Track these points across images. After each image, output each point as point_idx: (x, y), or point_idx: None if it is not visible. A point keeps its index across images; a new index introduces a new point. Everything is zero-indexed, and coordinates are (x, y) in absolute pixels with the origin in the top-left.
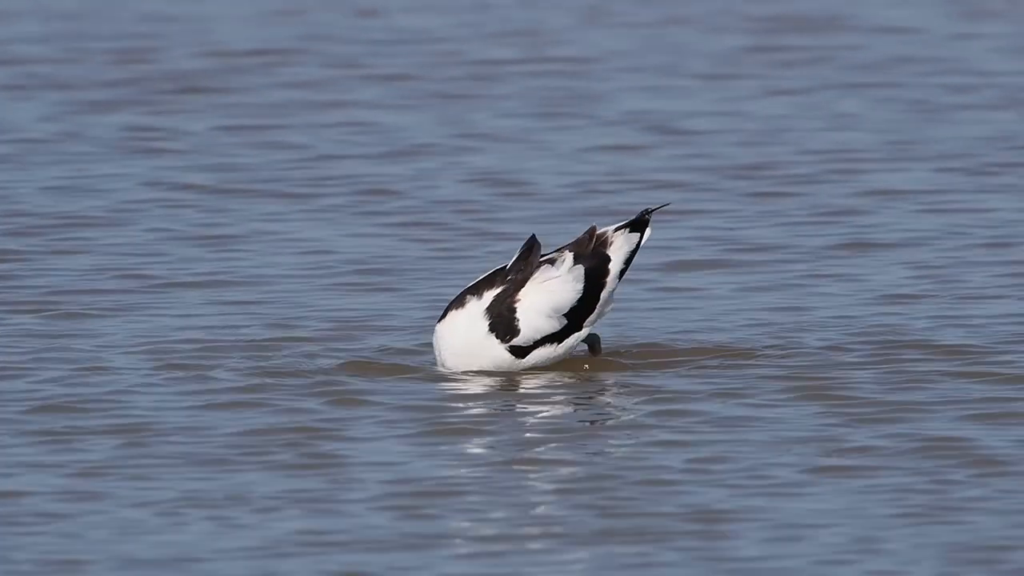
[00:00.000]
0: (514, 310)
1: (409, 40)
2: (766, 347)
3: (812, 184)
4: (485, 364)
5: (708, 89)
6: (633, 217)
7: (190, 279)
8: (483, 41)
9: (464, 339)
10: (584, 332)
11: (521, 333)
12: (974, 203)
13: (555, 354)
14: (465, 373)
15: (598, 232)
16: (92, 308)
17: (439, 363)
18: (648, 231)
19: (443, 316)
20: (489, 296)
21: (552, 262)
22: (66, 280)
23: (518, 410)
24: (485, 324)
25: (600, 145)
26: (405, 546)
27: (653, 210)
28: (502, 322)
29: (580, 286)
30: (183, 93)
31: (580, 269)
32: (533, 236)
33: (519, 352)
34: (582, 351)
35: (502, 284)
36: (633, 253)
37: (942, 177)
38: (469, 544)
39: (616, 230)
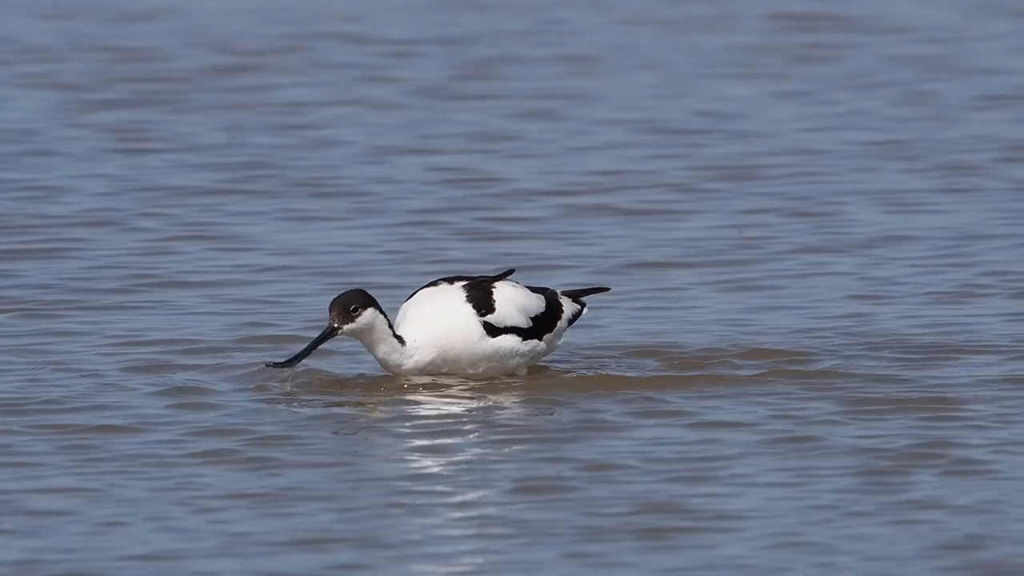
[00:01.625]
0: (491, 293)
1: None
2: (736, 348)
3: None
4: (456, 336)
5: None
6: (576, 290)
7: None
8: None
9: (438, 307)
10: (542, 347)
11: (496, 312)
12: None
13: (518, 349)
14: (421, 368)
15: (550, 288)
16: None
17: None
18: (584, 310)
19: (410, 296)
20: (462, 282)
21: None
22: (45, 279)
23: (467, 411)
24: (463, 295)
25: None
26: (363, 544)
27: (588, 292)
28: (479, 298)
29: (543, 304)
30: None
31: (541, 296)
32: (510, 269)
33: (490, 329)
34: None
35: (472, 278)
36: (575, 317)
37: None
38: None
39: (563, 293)
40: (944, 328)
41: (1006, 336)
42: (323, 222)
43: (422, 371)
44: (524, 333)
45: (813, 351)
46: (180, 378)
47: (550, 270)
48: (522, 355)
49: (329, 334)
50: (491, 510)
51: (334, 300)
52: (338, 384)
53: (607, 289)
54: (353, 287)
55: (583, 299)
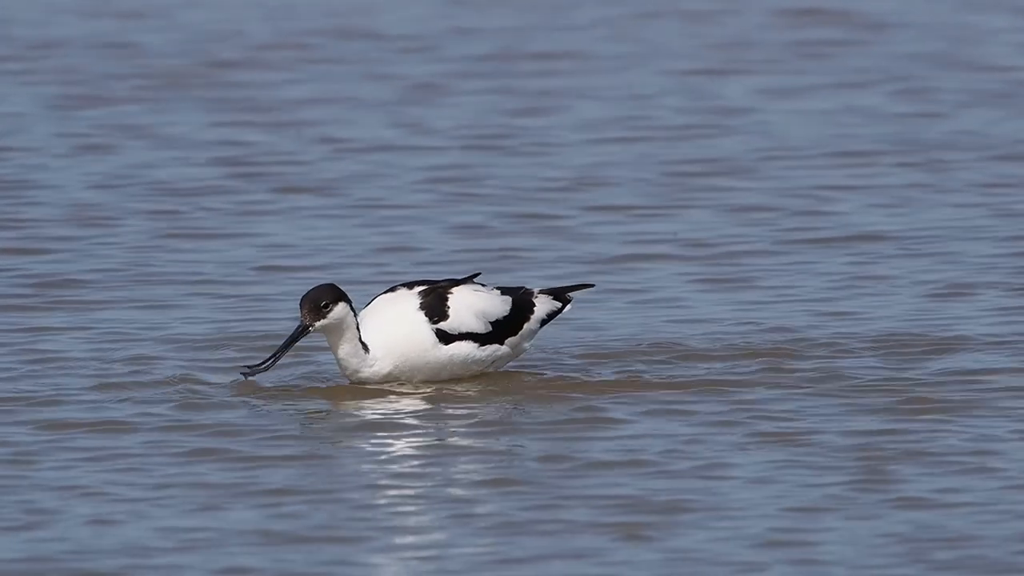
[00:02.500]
0: (445, 300)
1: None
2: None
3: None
4: (410, 345)
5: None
6: (560, 287)
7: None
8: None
9: (392, 314)
10: (505, 351)
11: (449, 319)
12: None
13: (475, 356)
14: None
15: (526, 287)
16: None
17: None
18: (567, 307)
19: (369, 303)
20: (420, 287)
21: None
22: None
23: (428, 411)
24: (416, 302)
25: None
26: (330, 539)
27: (571, 288)
28: (432, 304)
29: (507, 308)
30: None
31: (508, 298)
32: (477, 272)
33: (443, 337)
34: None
35: (432, 283)
36: (552, 315)
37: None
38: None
39: (541, 292)
40: (933, 323)
41: (995, 332)
42: (316, 218)
43: (381, 381)
44: (482, 339)
45: (800, 347)
46: (164, 373)
47: (538, 265)
48: (480, 361)
49: (301, 333)
50: (474, 505)
51: (304, 296)
52: (315, 379)
53: (591, 286)
54: (323, 282)
55: (568, 295)
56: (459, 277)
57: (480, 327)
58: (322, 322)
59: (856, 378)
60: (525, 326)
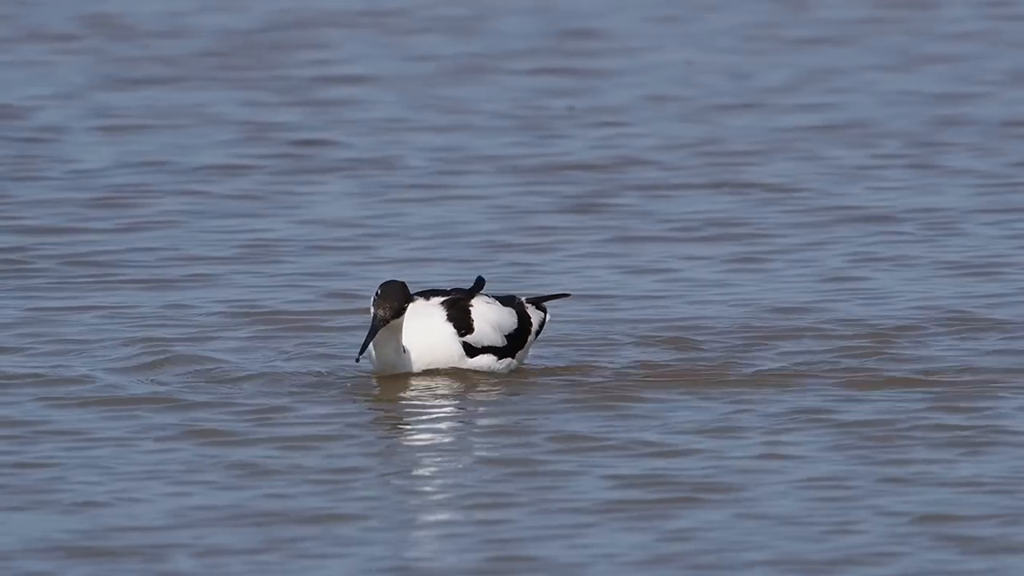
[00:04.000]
0: (468, 312)
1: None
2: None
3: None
4: (438, 355)
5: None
6: (538, 296)
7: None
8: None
9: (421, 325)
10: (515, 364)
11: (475, 332)
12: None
13: (494, 367)
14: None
15: (516, 296)
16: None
17: (376, 353)
18: (547, 317)
19: None
20: (438, 298)
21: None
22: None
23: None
24: (443, 314)
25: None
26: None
27: (549, 298)
28: (458, 316)
29: (515, 319)
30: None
31: (512, 310)
32: (481, 277)
33: (469, 350)
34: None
35: (446, 294)
36: (542, 326)
37: None
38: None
39: (528, 301)
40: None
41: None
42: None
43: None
44: (500, 352)
45: (798, 329)
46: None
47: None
48: (497, 373)
49: (380, 325)
50: (479, 487)
51: (386, 291)
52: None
53: (567, 295)
54: (395, 279)
55: (544, 304)
56: (466, 287)
57: (499, 341)
58: (396, 320)
59: (863, 359)
60: (528, 339)
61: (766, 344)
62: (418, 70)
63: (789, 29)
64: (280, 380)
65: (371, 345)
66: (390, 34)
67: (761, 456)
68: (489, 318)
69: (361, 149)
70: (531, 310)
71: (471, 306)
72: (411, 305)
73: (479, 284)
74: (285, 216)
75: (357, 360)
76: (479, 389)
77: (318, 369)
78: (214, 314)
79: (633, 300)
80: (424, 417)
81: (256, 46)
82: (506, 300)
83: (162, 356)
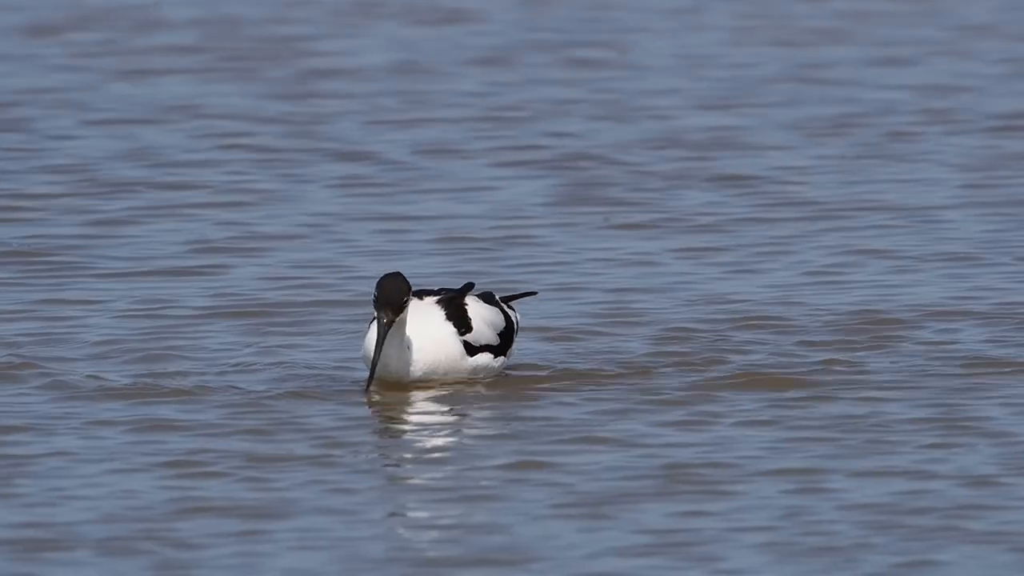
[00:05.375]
0: (465, 310)
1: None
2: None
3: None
4: (440, 355)
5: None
6: (508, 296)
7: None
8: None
9: (420, 324)
10: (506, 361)
11: (473, 331)
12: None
13: (491, 367)
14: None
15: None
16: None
17: (371, 353)
18: (516, 315)
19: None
20: (432, 298)
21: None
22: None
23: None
24: (441, 313)
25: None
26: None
27: (517, 296)
28: (457, 315)
29: (502, 318)
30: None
31: (497, 309)
32: (470, 282)
33: (469, 349)
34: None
35: (438, 294)
36: (518, 324)
37: None
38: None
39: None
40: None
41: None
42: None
43: (410, 381)
44: (495, 350)
45: (787, 321)
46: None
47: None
48: (493, 371)
49: (387, 329)
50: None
51: (384, 291)
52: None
53: (535, 293)
54: (391, 272)
55: (512, 304)
56: (454, 288)
57: (494, 339)
58: (400, 316)
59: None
60: (514, 336)
61: (744, 337)
62: (402, 62)
63: (785, 21)
64: (261, 373)
65: (370, 345)
66: (371, 20)
67: (735, 450)
68: (484, 316)
69: (345, 142)
70: (508, 309)
71: (466, 304)
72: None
73: (468, 287)
74: (268, 208)
75: (367, 391)
76: (467, 384)
77: (303, 363)
78: (197, 307)
79: (612, 293)
80: (412, 410)
81: (243, 38)
82: (487, 298)
83: (140, 349)
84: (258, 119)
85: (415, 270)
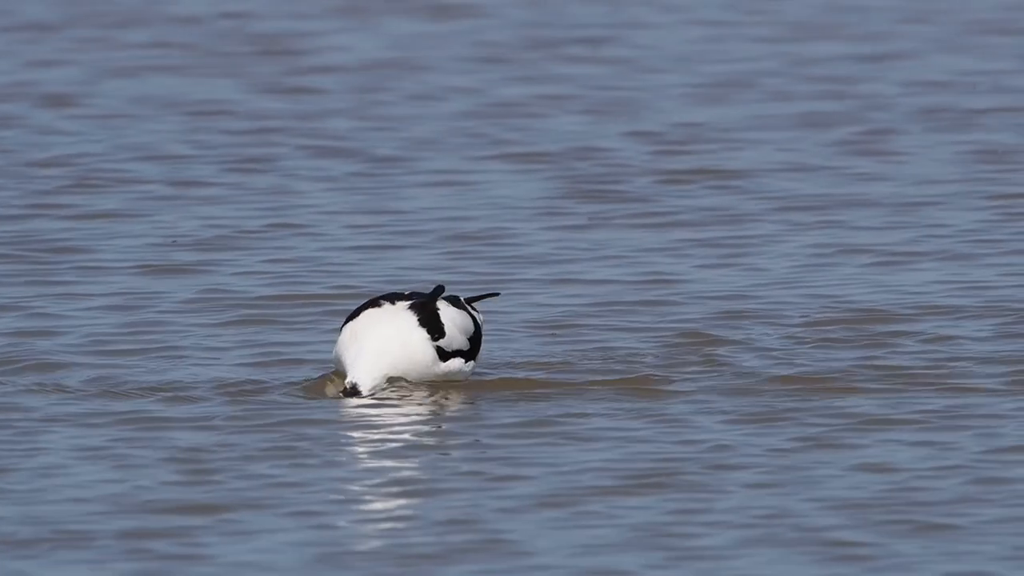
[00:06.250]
0: (437, 315)
1: None
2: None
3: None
4: (412, 362)
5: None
6: (472, 297)
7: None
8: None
9: (391, 330)
10: (474, 367)
11: (446, 336)
12: None
13: (463, 371)
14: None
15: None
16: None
17: (343, 358)
18: (481, 317)
19: (355, 315)
20: (405, 302)
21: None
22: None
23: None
24: (414, 318)
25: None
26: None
27: (479, 298)
28: (430, 320)
29: (472, 324)
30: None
31: (464, 312)
32: (440, 286)
33: (442, 355)
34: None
35: (409, 298)
36: (482, 326)
37: None
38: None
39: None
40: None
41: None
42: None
43: (370, 392)
44: (466, 355)
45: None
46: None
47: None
48: (464, 376)
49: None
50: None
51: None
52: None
53: (496, 294)
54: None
55: (475, 305)
56: (424, 291)
57: (465, 344)
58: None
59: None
60: (481, 340)
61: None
62: (394, 57)
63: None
64: (245, 368)
65: (339, 351)
66: (361, 16)
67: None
68: (456, 321)
69: (332, 138)
70: (472, 311)
71: (438, 309)
72: (374, 310)
73: (438, 291)
74: (251, 204)
75: (341, 392)
76: (437, 386)
77: (289, 358)
78: (181, 302)
79: (596, 286)
80: (387, 404)
81: (232, 33)
82: (455, 302)
83: (123, 344)
84: (247, 113)
85: (404, 265)
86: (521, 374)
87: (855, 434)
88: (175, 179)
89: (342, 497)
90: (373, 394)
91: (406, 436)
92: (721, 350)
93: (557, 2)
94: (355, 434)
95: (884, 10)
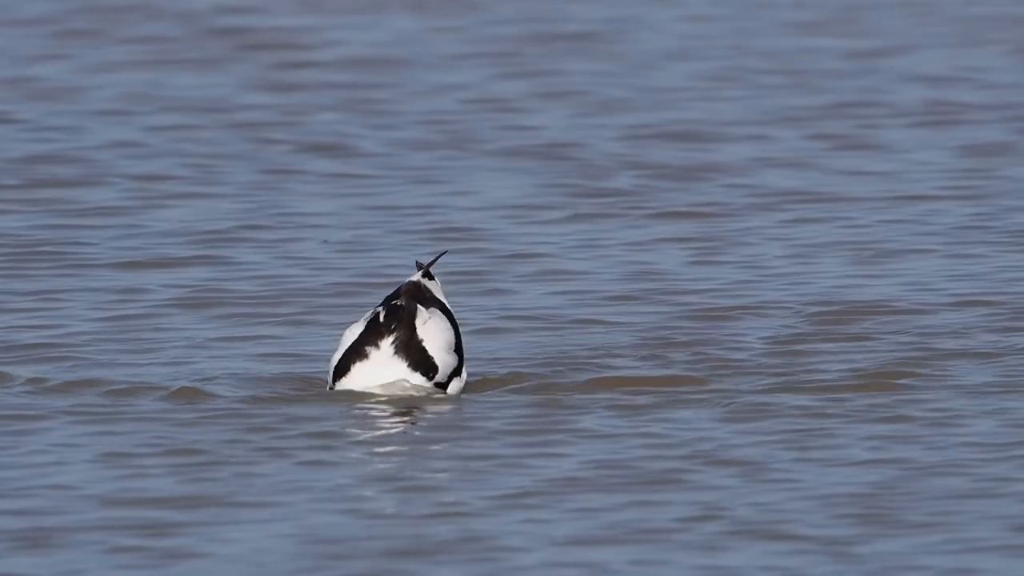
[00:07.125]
0: (424, 350)
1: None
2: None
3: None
4: (414, 395)
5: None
6: (424, 265)
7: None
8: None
9: (388, 380)
10: (466, 376)
11: (440, 370)
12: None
13: (460, 388)
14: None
15: (415, 281)
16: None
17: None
18: (437, 282)
19: (344, 373)
20: (387, 342)
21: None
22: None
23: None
24: (404, 364)
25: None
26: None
27: (430, 264)
28: (419, 359)
29: (447, 323)
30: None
31: (436, 310)
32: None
33: (442, 387)
34: None
35: (389, 332)
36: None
37: None
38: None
39: (422, 278)
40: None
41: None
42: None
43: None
44: (457, 370)
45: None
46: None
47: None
48: (462, 384)
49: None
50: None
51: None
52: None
53: (446, 252)
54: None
55: (430, 271)
56: (413, 277)
57: (454, 360)
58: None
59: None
60: (461, 337)
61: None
62: (388, 53)
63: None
64: (236, 366)
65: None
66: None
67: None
68: (440, 344)
69: (324, 134)
70: (435, 288)
71: (422, 341)
72: (367, 363)
73: (407, 288)
74: (245, 200)
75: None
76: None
77: (281, 355)
78: (170, 299)
79: (586, 279)
80: (376, 403)
81: (221, 28)
82: (424, 295)
83: (115, 341)
84: (239, 109)
85: (397, 263)
86: (506, 370)
87: (847, 429)
88: (167, 175)
89: (332, 493)
90: None
91: (393, 433)
92: (710, 346)
93: None
94: (344, 431)
95: (877, 7)
